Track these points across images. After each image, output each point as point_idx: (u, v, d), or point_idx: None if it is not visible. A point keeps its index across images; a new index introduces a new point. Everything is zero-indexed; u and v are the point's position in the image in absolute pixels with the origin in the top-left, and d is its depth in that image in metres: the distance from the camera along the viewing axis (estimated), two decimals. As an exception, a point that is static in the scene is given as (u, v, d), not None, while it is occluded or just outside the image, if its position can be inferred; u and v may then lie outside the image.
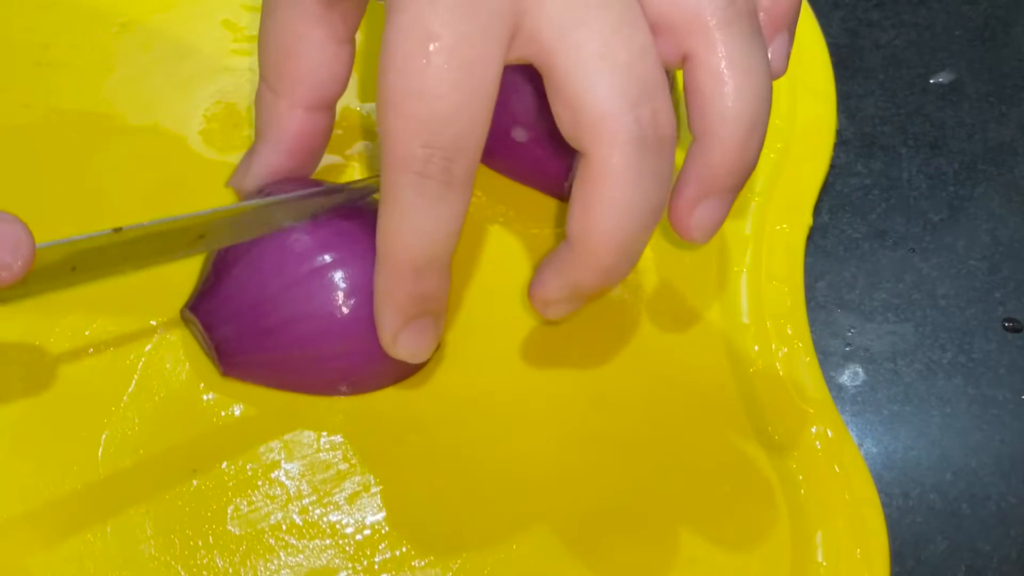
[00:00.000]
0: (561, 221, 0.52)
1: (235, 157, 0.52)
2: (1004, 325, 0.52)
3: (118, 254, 0.44)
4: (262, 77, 0.48)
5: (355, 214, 0.47)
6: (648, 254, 0.51)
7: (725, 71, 0.41)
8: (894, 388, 0.51)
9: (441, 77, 0.38)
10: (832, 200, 0.55)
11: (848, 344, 0.52)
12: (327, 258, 0.45)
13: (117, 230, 0.43)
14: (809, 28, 0.59)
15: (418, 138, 0.39)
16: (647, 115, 0.40)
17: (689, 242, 0.45)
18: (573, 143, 0.41)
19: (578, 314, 0.49)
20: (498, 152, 0.52)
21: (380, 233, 0.42)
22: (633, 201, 0.40)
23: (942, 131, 0.58)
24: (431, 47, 0.38)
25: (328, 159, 0.53)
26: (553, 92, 0.41)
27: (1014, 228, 0.55)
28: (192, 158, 0.53)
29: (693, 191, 0.42)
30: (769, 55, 0.44)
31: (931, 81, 0.60)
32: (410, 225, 0.41)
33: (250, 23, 0.57)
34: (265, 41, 0.47)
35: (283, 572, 0.43)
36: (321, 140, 0.50)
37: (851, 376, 0.51)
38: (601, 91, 0.39)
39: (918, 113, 0.59)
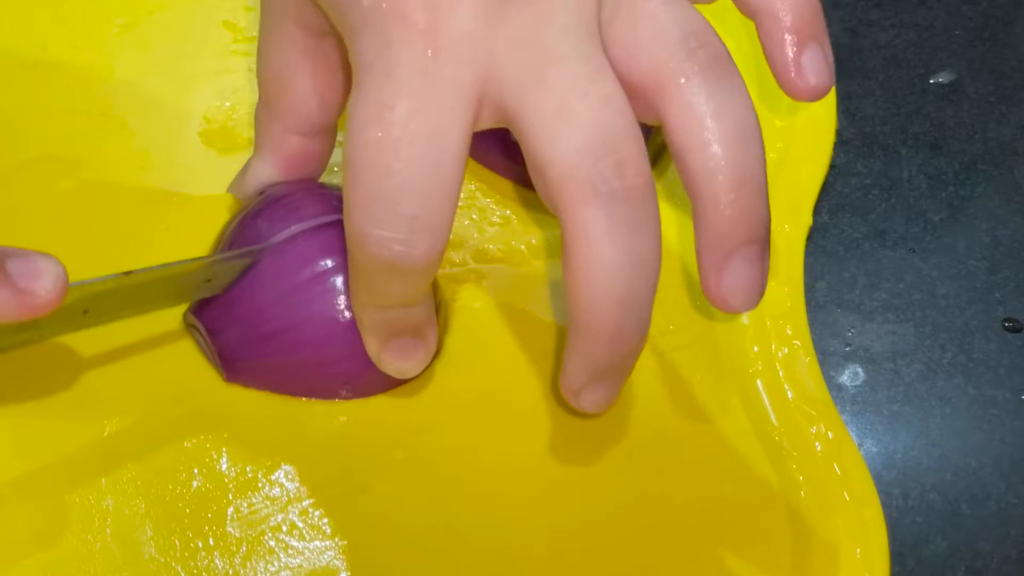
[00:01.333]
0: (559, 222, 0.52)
1: (234, 158, 0.52)
2: (1004, 325, 0.52)
3: (127, 297, 0.45)
4: (260, 96, 0.48)
5: None
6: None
7: (695, 126, 0.40)
8: (894, 388, 0.51)
9: (393, 150, 0.38)
10: (832, 200, 0.55)
11: (848, 344, 0.52)
12: (328, 263, 0.45)
13: (127, 274, 0.43)
14: (809, 28, 0.59)
15: (372, 214, 0.39)
16: (610, 167, 0.38)
17: (733, 313, 0.43)
18: (551, 209, 0.40)
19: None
20: (497, 153, 0.52)
21: (349, 272, 0.42)
22: (612, 256, 0.39)
23: (942, 131, 0.58)
24: (384, 119, 0.38)
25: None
26: (526, 158, 0.40)
27: (1014, 228, 0.55)
28: (191, 159, 0.53)
29: (708, 260, 0.41)
30: (807, 71, 0.43)
31: (931, 81, 0.60)
32: (369, 290, 0.42)
33: (250, 24, 0.57)
34: (261, 66, 0.47)
35: (283, 574, 0.43)
36: (318, 161, 0.49)
37: (851, 376, 0.51)
38: (560, 150, 0.39)
39: (918, 113, 0.59)
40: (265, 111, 0.48)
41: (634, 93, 0.40)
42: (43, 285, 0.40)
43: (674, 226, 0.52)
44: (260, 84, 0.47)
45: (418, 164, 0.38)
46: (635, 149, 0.39)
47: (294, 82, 0.46)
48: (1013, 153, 0.57)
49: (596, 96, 0.39)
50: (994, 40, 0.61)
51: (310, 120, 0.47)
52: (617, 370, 0.43)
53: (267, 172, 0.48)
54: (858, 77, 0.59)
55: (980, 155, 0.57)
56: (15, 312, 0.40)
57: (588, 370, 0.42)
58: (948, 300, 0.53)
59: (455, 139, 0.39)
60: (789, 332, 0.49)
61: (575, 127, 0.39)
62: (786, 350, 0.49)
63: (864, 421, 0.50)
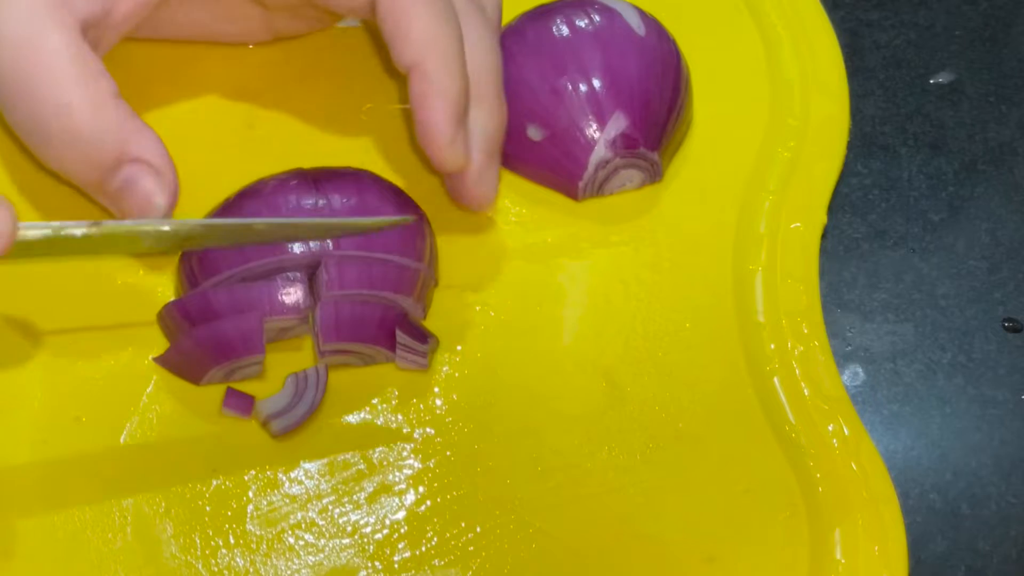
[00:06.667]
0: (574, 221, 0.52)
1: (245, 159, 0.52)
2: (1004, 325, 0.53)
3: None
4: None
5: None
6: (664, 253, 0.51)
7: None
8: (894, 388, 0.51)
9: None
10: (832, 200, 0.55)
11: (848, 344, 0.52)
12: None
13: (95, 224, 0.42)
14: (821, 27, 0.59)
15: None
16: None
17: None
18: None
19: (595, 314, 0.49)
20: (513, 151, 0.52)
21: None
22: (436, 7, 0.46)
23: (942, 131, 0.58)
24: None
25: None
26: None
27: (1014, 228, 0.55)
28: (199, 161, 0.52)
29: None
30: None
31: (931, 81, 0.60)
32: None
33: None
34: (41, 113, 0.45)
35: (303, 571, 0.43)
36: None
37: (851, 376, 0.51)
38: None
39: (918, 113, 0.59)
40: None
41: None
42: None
43: (688, 230, 0.52)
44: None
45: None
46: None
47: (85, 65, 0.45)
48: (1013, 153, 0.58)
49: None
50: (994, 40, 0.61)
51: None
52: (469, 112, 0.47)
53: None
54: (858, 77, 0.59)
55: (980, 155, 0.58)
56: None
57: (452, 114, 0.46)
58: (948, 300, 0.53)
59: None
60: (805, 330, 0.49)
61: None
62: (802, 348, 0.49)
63: (864, 421, 0.49)
